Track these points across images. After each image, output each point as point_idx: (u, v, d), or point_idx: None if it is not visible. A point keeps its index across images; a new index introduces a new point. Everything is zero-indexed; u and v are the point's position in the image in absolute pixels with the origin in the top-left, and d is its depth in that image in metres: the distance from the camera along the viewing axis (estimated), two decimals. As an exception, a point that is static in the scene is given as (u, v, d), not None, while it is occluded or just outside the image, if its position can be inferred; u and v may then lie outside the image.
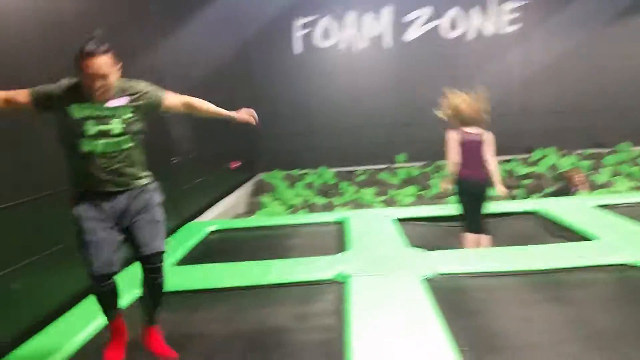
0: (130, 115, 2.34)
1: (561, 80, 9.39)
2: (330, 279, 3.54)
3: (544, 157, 8.96)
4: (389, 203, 7.32)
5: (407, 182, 8.58)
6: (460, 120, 4.36)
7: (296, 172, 9.64)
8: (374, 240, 4.39)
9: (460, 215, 4.46)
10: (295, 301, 3.24)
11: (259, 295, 3.39)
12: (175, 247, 4.57)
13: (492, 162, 4.33)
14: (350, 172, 9.58)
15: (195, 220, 5.84)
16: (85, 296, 3.33)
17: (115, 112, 2.30)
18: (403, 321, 2.73)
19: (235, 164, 8.02)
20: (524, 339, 2.58)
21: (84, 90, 2.24)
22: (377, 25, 9.81)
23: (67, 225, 2.49)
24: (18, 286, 2.90)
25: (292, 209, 7.37)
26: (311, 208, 7.29)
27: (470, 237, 4.37)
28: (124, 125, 2.32)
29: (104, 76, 2.19)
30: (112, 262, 2.34)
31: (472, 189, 4.35)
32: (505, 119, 8.31)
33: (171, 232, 5.19)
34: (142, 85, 2.45)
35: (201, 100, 2.69)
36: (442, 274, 3.46)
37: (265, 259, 4.02)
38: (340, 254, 4.08)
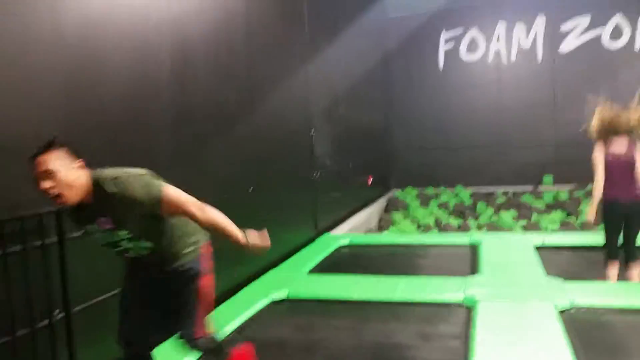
0: (126, 232, 2.02)
1: None
2: (458, 301, 3.51)
3: None
4: (531, 228, 6.91)
5: (553, 206, 8.02)
6: (609, 132, 3.89)
7: (430, 190, 9.53)
8: (508, 265, 4.23)
9: (606, 241, 3.92)
10: (420, 320, 3.27)
11: (384, 310, 3.48)
12: (310, 256, 4.86)
13: None
14: (489, 193, 9.20)
15: (331, 233, 6.11)
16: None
17: (111, 234, 2.01)
18: (531, 352, 2.62)
19: (370, 179, 8.22)
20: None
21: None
22: (529, 36, 9.34)
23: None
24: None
25: (424, 228, 7.33)
26: (444, 228, 7.18)
27: (614, 266, 3.89)
28: (130, 239, 2.04)
29: (51, 175, 1.83)
30: (134, 332, 2.23)
31: (622, 210, 3.82)
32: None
33: (308, 242, 5.51)
34: (128, 186, 1.93)
35: (212, 210, 2.13)
36: (579, 307, 3.24)
37: (393, 275, 4.10)
38: (470, 277, 4.01)
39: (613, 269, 3.89)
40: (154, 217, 2.03)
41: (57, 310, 2.40)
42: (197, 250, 2.25)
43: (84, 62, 2.61)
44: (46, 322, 2.34)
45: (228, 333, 3.17)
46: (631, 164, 3.83)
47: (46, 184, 1.82)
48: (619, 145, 3.88)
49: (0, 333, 2.13)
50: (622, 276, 3.84)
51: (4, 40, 2.19)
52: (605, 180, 3.89)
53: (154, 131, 3.16)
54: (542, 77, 9.26)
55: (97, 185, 1.91)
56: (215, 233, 2.15)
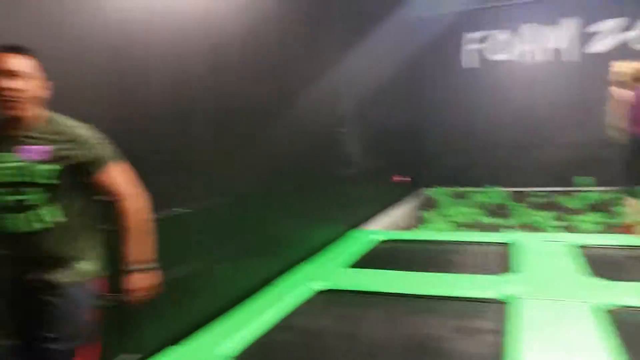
0: (56, 173, 1.61)
1: None
2: (493, 298, 3.52)
3: None
4: (568, 230, 6.83)
5: (590, 207, 7.89)
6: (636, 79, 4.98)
7: (464, 188, 9.48)
8: (544, 264, 4.22)
9: (629, 176, 4.97)
10: (456, 315, 3.30)
11: (421, 304, 3.52)
12: (346, 251, 4.94)
13: None
14: (523, 192, 9.11)
15: (365, 229, 6.17)
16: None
17: (30, 169, 1.57)
18: (567, 349, 2.63)
19: (399, 178, 8.23)
20: None
21: None
22: (558, 36, 9.24)
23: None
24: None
25: (457, 226, 7.31)
26: (478, 227, 7.15)
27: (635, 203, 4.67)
28: (45, 198, 1.58)
29: (18, 77, 1.60)
30: None
31: None
32: None
33: (342, 237, 5.59)
34: (84, 132, 1.70)
35: (139, 208, 1.80)
36: (620, 306, 3.22)
37: (430, 272, 4.14)
38: (506, 274, 4.01)
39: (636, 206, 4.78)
40: (81, 186, 1.65)
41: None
42: (93, 273, 1.73)
43: (129, 64, 2.73)
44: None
45: (267, 321, 3.26)
46: None
47: (10, 83, 1.58)
48: None
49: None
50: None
51: (65, 41, 2.32)
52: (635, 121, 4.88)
53: (196, 132, 3.28)
54: (572, 78, 9.14)
55: (53, 120, 1.66)
56: (125, 235, 1.72)
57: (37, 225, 1.55)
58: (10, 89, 1.57)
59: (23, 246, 1.55)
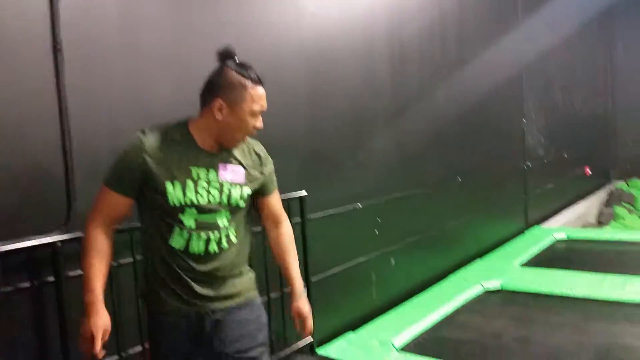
0: (248, 196, 1.59)
1: None
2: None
3: None
4: None
5: None
6: None
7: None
8: None
9: None
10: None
11: (610, 309, 3.23)
12: (522, 248, 4.71)
13: None
14: None
15: (542, 225, 5.79)
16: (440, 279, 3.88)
17: (229, 190, 1.54)
18: None
19: (588, 170, 7.50)
20: None
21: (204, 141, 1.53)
22: None
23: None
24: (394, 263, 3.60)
25: (657, 224, 6.45)
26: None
27: None
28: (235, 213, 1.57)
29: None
30: None
31: None
32: None
33: (518, 234, 5.34)
34: (268, 155, 1.67)
35: (291, 240, 1.75)
36: None
37: (619, 274, 3.76)
38: None
39: None
40: (248, 206, 1.63)
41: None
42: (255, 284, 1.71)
43: (321, 70, 2.95)
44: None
45: (442, 316, 3.29)
46: None
47: (259, 123, 1.54)
48: None
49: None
50: None
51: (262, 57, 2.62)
52: None
53: (374, 127, 3.42)
54: None
55: (248, 140, 1.61)
56: (286, 259, 1.71)
57: (225, 246, 1.54)
58: (258, 128, 1.55)
59: (209, 266, 1.53)
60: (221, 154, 1.55)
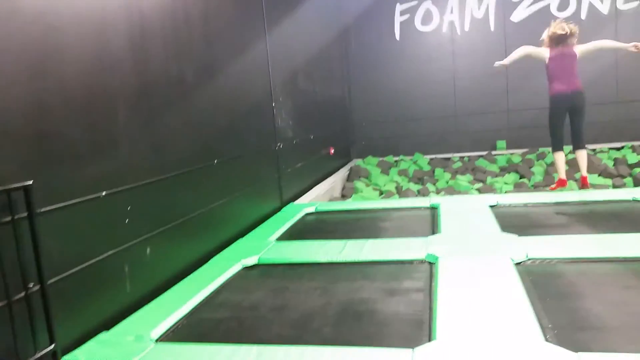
0: None
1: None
2: (420, 259, 3.69)
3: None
4: (486, 190, 7.23)
5: (507, 169, 8.38)
6: (554, 39, 6.02)
7: (391, 158, 9.77)
8: (466, 224, 4.46)
9: (552, 133, 6.13)
10: (385, 278, 3.43)
11: (351, 270, 3.63)
12: (277, 225, 4.96)
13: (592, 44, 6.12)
14: (447, 159, 9.53)
15: (296, 202, 6.22)
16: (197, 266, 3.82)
17: None
18: (490, 300, 2.82)
19: (332, 150, 8.35)
20: (615, 320, 2.57)
21: None
22: (482, 6, 9.61)
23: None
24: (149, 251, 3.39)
25: (386, 194, 7.54)
26: (405, 194, 7.40)
27: (561, 156, 6.14)
28: None
29: None
30: None
31: (567, 101, 5.91)
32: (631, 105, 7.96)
33: (274, 212, 5.61)
34: None
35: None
36: (533, 259, 3.48)
37: (359, 239, 4.25)
38: (431, 236, 4.21)
39: (560, 160, 6.15)
40: None
41: (32, 283, 2.41)
42: None
43: (40, 39, 2.57)
44: (22, 294, 2.36)
45: (202, 299, 3.25)
46: (574, 60, 5.97)
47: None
48: (563, 47, 6.08)
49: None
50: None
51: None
52: (552, 79, 6.06)
53: (114, 105, 3.15)
54: (495, 46, 9.54)
55: None
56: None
57: None
58: None
59: None
60: None
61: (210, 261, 3.96)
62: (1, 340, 2.23)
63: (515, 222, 4.58)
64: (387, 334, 2.62)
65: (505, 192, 7.00)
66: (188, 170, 3.93)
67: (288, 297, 3.23)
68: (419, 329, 2.64)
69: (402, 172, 8.83)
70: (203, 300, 3.25)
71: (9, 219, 2.30)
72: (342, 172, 8.93)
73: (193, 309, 3.12)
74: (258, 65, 5.46)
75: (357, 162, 9.78)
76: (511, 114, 9.53)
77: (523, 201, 5.36)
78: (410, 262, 3.68)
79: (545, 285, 3.07)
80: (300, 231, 4.91)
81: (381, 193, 7.70)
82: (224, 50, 4.65)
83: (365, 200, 6.82)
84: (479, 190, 7.27)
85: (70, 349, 2.60)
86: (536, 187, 7.10)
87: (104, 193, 2.97)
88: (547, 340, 2.36)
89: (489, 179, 7.81)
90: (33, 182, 2.36)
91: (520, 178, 7.85)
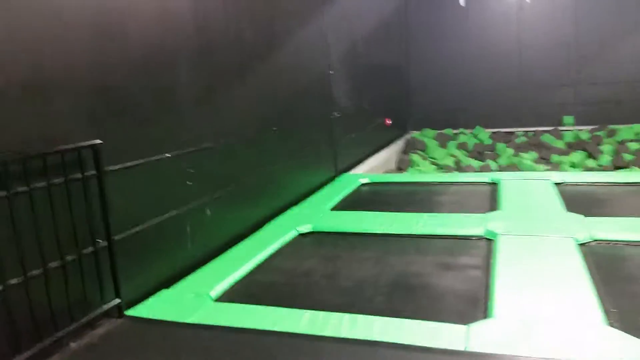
0: None
1: None
2: (478, 235, 3.61)
3: None
4: (551, 168, 6.93)
5: (574, 146, 7.97)
6: None
7: (449, 131, 9.50)
8: (528, 202, 4.30)
9: None
10: (440, 252, 3.39)
11: (406, 243, 3.60)
12: (331, 194, 4.98)
13: None
14: (509, 133, 9.16)
15: (350, 172, 6.21)
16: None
17: None
18: (550, 280, 2.73)
19: (388, 121, 8.21)
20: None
21: None
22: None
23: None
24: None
25: (443, 168, 7.38)
26: (463, 169, 7.22)
27: None
28: None
29: None
30: None
31: None
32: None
33: (328, 181, 5.63)
34: None
35: None
36: (598, 240, 3.32)
37: (415, 212, 4.20)
38: (490, 212, 4.09)
39: None
40: None
41: (100, 240, 2.54)
42: None
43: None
44: (90, 249, 2.49)
45: (257, 263, 3.33)
46: None
47: None
48: None
49: (50, 258, 2.28)
50: None
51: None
52: None
53: (177, 67, 3.21)
54: (564, 12, 8.95)
55: None
56: None
57: None
58: None
59: None
60: None
61: (265, 226, 4.04)
62: (72, 291, 2.37)
63: (581, 202, 4.38)
64: (441, 309, 2.60)
65: (571, 170, 6.68)
66: (248, 137, 3.98)
67: (340, 265, 3.26)
68: (474, 306, 2.59)
69: (461, 146, 8.58)
70: (259, 264, 3.33)
71: (79, 175, 2.41)
72: (399, 144, 8.79)
73: (249, 271, 3.21)
74: (316, 33, 5.40)
75: (414, 134, 9.59)
76: (579, 87, 9.00)
77: (590, 180, 5.10)
78: (468, 237, 3.61)
79: (610, 268, 2.93)
80: (354, 201, 4.90)
81: (438, 167, 7.54)
82: (283, 17, 4.62)
83: (422, 174, 6.70)
84: (544, 168, 6.98)
85: (133, 304, 2.74)
86: (604, 166, 6.73)
87: (168, 154, 3.06)
88: (609, 324, 2.26)
89: (554, 157, 7.46)
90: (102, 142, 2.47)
91: (588, 156, 7.46)
